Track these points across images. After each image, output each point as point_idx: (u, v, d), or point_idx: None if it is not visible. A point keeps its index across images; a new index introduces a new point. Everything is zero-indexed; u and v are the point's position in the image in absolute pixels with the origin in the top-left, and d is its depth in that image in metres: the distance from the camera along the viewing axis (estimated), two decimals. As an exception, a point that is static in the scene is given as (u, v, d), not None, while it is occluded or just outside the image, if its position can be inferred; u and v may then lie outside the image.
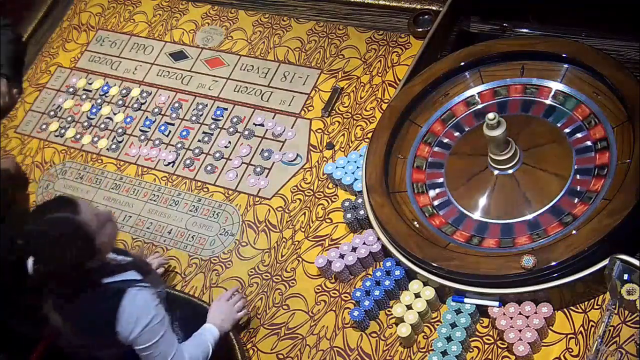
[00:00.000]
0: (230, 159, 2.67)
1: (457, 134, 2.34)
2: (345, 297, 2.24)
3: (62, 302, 2.00)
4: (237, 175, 2.62)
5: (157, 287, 2.10)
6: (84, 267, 1.96)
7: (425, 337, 2.10)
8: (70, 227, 1.94)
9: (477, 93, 2.38)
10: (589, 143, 2.16)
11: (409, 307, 2.10)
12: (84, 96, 3.06)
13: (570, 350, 1.94)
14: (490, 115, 2.05)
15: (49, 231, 1.93)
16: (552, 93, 2.28)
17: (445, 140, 2.34)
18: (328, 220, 2.41)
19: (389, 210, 2.18)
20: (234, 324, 2.24)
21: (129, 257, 2.16)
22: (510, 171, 2.17)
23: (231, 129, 2.73)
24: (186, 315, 2.27)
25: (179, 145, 2.77)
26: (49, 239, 1.92)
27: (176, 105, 2.88)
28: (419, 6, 2.73)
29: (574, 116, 2.21)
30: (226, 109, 2.80)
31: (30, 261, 1.96)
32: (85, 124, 2.96)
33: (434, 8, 2.68)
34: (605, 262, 1.90)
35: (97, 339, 2.02)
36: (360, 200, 2.31)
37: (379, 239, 2.22)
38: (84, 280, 1.99)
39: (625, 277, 1.86)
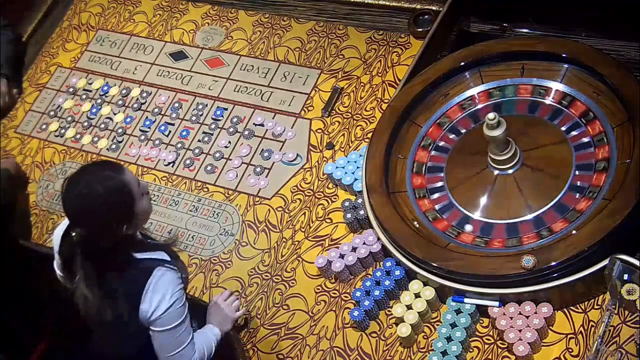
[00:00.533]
0: (230, 159, 2.67)
1: (452, 136, 2.35)
2: (345, 297, 2.24)
3: (92, 272, 1.98)
4: (237, 175, 2.62)
5: (183, 273, 2.11)
6: (121, 232, 1.97)
7: (425, 337, 2.10)
8: (114, 184, 1.95)
9: (477, 93, 2.38)
10: (587, 139, 2.16)
11: (409, 307, 2.10)
12: (84, 96, 3.06)
13: (570, 350, 1.94)
14: (491, 115, 2.06)
15: (94, 186, 1.93)
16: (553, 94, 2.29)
17: (442, 144, 2.34)
18: (328, 220, 2.41)
19: (389, 210, 2.18)
20: (233, 324, 2.24)
21: (154, 240, 2.19)
22: (510, 171, 2.17)
23: (231, 129, 2.73)
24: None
25: (179, 145, 2.77)
26: (93, 194, 1.92)
27: (176, 105, 2.88)
28: (419, 6, 2.73)
29: (570, 114, 2.22)
30: (226, 109, 2.80)
31: (59, 231, 1.96)
32: (85, 124, 2.96)
33: (434, 8, 2.68)
34: (605, 262, 1.90)
35: (120, 316, 2.00)
36: (360, 200, 2.31)
37: (379, 239, 2.22)
38: (118, 248, 1.99)
39: (625, 277, 1.86)
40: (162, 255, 2.07)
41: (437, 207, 2.23)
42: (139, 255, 2.03)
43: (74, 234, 1.96)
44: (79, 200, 1.95)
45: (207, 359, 2.12)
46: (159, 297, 1.99)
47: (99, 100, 3.01)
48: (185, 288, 2.10)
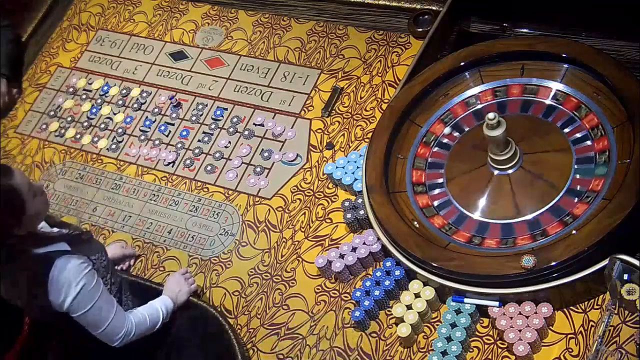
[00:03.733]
0: (230, 159, 2.67)
1: (456, 134, 2.35)
2: (345, 297, 2.24)
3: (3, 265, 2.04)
4: (237, 175, 2.62)
5: (91, 255, 2.13)
6: (12, 234, 2.02)
7: (425, 337, 2.10)
8: (3, 191, 1.98)
9: (478, 93, 2.38)
10: (591, 153, 2.16)
11: (409, 307, 2.10)
12: (84, 96, 3.05)
13: (570, 350, 1.94)
14: (491, 115, 2.06)
15: None
16: (553, 94, 2.29)
17: (445, 141, 2.34)
18: (328, 220, 2.41)
19: (389, 210, 2.18)
20: (189, 295, 2.32)
21: (65, 229, 2.20)
22: (510, 171, 2.17)
23: (231, 129, 2.73)
24: (184, 314, 2.29)
25: (179, 145, 2.77)
26: None
27: (176, 105, 2.88)
28: (419, 6, 2.73)
29: (582, 124, 2.21)
30: (226, 109, 2.80)
31: None
32: (85, 124, 2.96)
33: (434, 8, 2.68)
34: (605, 262, 1.90)
35: (36, 305, 2.08)
36: (360, 200, 2.31)
37: (379, 239, 2.22)
38: (11, 247, 2.04)
39: (625, 277, 1.86)
40: (62, 246, 2.10)
41: (435, 203, 2.24)
42: (38, 250, 2.06)
43: None
44: None
45: (150, 327, 2.18)
46: (65, 288, 2.03)
47: (99, 100, 3.01)
48: (99, 269, 2.12)
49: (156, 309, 2.21)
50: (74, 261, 2.05)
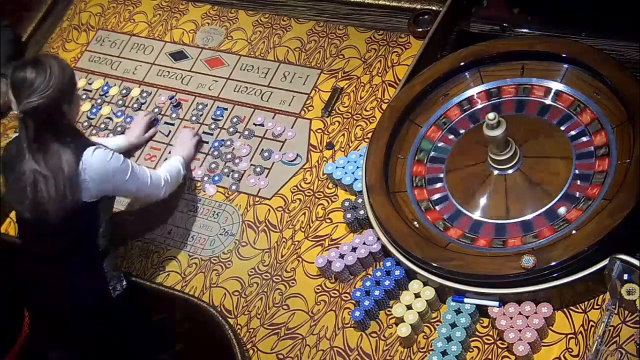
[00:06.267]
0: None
1: (466, 127, 2.35)
2: (345, 297, 2.24)
3: (38, 151, 2.20)
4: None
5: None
6: (62, 111, 2.22)
7: (425, 337, 2.10)
8: (68, 67, 2.27)
9: (476, 94, 2.38)
10: (591, 149, 2.15)
11: (409, 307, 2.10)
12: (84, 96, 3.05)
13: (570, 350, 1.94)
14: (490, 115, 2.06)
15: (50, 63, 2.20)
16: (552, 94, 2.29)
17: (451, 137, 2.35)
18: (328, 220, 2.41)
19: (389, 210, 2.18)
20: (196, 147, 2.67)
21: None
22: (510, 171, 2.17)
23: (231, 129, 2.73)
24: (184, 314, 2.29)
25: (179, 145, 2.77)
26: (50, 67, 2.18)
27: (176, 105, 2.88)
28: (419, 6, 2.73)
29: (578, 120, 2.21)
30: (226, 109, 2.80)
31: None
32: (85, 124, 2.96)
33: (434, 8, 2.68)
34: (605, 262, 1.90)
35: (65, 192, 2.19)
36: (360, 200, 2.31)
37: (378, 239, 2.22)
38: (59, 129, 2.22)
39: (625, 277, 1.86)
40: (91, 142, 2.30)
41: (433, 197, 2.25)
42: (75, 141, 2.26)
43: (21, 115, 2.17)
44: (36, 71, 2.16)
45: (177, 174, 2.51)
46: (101, 172, 2.23)
47: (99, 101, 3.01)
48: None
49: (177, 165, 2.52)
50: (100, 148, 2.26)
